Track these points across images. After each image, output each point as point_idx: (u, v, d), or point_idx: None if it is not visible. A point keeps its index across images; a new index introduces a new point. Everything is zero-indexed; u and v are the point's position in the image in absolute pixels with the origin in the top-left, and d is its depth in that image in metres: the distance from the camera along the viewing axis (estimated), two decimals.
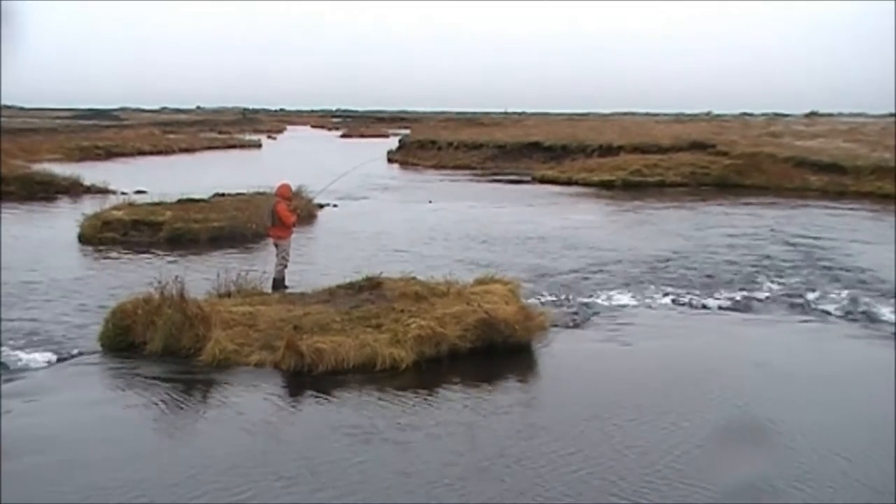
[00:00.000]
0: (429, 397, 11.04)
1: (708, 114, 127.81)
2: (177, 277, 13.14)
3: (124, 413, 10.42)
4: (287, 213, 16.56)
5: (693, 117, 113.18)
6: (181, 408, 10.61)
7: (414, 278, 14.80)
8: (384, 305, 13.13)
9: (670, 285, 17.95)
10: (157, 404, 10.66)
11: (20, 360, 12.26)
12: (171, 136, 79.57)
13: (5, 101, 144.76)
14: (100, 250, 21.74)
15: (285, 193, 17.03)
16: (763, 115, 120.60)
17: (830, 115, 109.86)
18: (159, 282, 13.05)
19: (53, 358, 12.47)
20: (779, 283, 18.28)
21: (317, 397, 10.99)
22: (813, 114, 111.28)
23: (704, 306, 16.46)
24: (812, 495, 8.38)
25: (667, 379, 11.95)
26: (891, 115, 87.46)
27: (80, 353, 12.71)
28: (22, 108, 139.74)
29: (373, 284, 14.24)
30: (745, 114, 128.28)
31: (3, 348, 12.68)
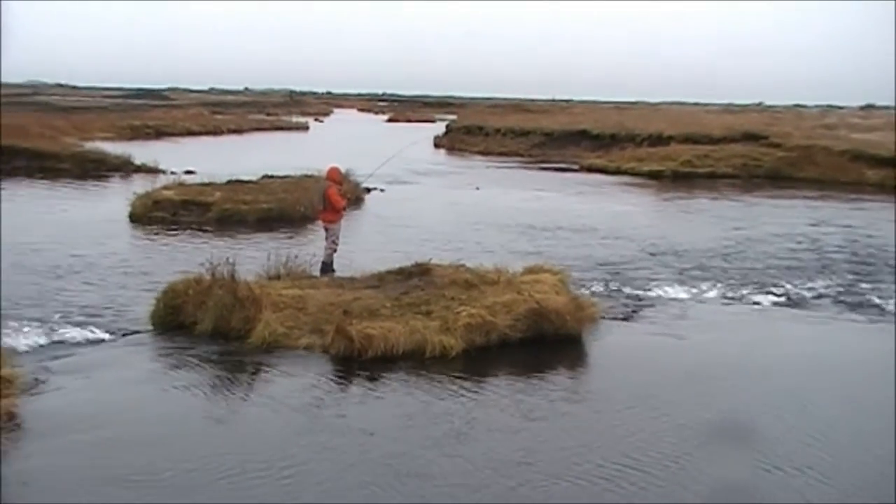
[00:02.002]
0: (476, 386, 10.96)
1: (759, 104, 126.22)
2: (228, 259, 13.15)
3: (173, 393, 10.45)
4: (338, 197, 16.46)
5: (744, 107, 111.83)
6: (230, 389, 10.64)
7: (463, 265, 14.70)
8: (434, 292, 13.03)
9: (721, 279, 17.67)
10: (206, 385, 10.70)
11: (73, 336, 12.39)
12: (220, 116, 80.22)
13: (60, 80, 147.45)
14: (150, 229, 21.89)
15: (335, 177, 16.95)
16: (816, 106, 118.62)
17: (887, 107, 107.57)
18: (210, 262, 13.08)
19: (105, 335, 12.58)
20: (833, 280, 17.90)
21: (366, 383, 10.96)
22: (869, 106, 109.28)
23: (756, 301, 16.17)
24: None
25: (718, 374, 11.79)
26: None
27: (132, 332, 12.80)
28: (75, 87, 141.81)
29: (422, 270, 14.14)
30: (797, 105, 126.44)
31: (58, 324, 12.85)
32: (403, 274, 14.12)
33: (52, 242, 19.41)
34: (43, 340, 12.11)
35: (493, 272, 14.10)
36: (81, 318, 13.25)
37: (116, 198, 26.63)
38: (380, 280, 14.00)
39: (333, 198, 16.40)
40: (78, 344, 12.17)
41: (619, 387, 11.16)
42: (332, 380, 11.08)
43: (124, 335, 12.68)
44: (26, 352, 11.54)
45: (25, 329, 12.42)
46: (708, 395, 10.90)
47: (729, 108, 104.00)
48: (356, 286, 13.72)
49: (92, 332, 12.61)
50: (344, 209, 16.88)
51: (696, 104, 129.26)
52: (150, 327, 12.96)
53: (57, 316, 13.31)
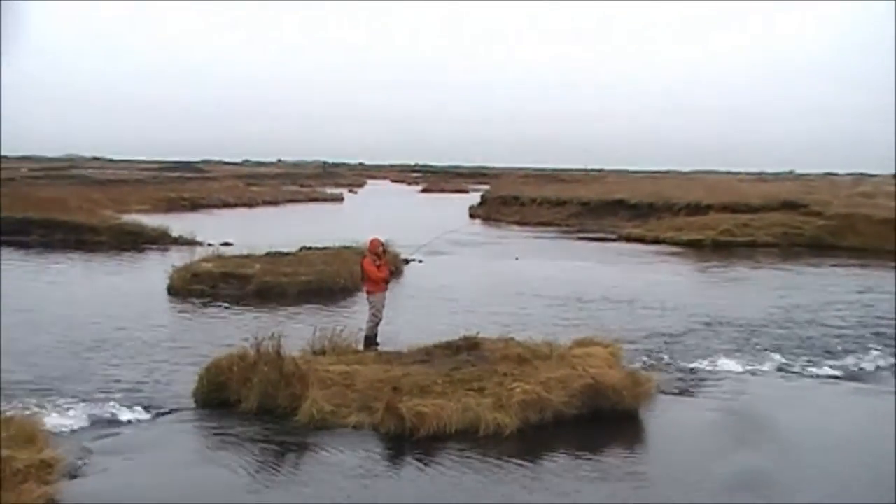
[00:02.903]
0: (530, 467, 10.51)
1: (791, 172, 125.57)
2: (273, 334, 12.82)
3: (218, 477, 10.06)
4: (372, 268, 16.25)
5: (776, 175, 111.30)
6: (277, 472, 10.22)
7: (512, 339, 14.30)
8: (486, 367, 12.61)
9: (774, 350, 17.10)
10: (253, 467, 10.30)
11: (115, 414, 12.05)
12: (255, 188, 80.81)
13: (96, 153, 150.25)
14: (189, 302, 21.68)
15: (372, 248, 16.74)
16: (849, 174, 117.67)
17: None
18: (255, 338, 12.76)
19: (147, 413, 12.24)
20: (888, 351, 17.28)
21: (419, 463, 10.50)
22: None
23: (813, 374, 15.63)
24: None
25: (782, 454, 11.25)
26: None
27: (174, 409, 12.45)
28: (111, 160, 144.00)
29: (471, 344, 13.75)
30: (829, 173, 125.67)
31: (100, 402, 12.51)
32: (452, 348, 13.73)
33: (93, 316, 19.27)
34: (84, 419, 11.78)
35: (545, 346, 13.68)
36: (123, 396, 12.91)
37: (154, 270, 26.50)
38: (428, 354, 13.60)
39: (367, 268, 16.28)
40: (120, 423, 11.83)
41: (682, 472, 10.59)
42: (383, 461, 10.65)
43: (167, 413, 12.33)
44: (68, 432, 11.22)
45: (67, 407, 12.12)
46: (777, 480, 10.37)
47: (762, 177, 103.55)
48: (404, 361, 13.33)
49: (134, 409, 12.27)
50: (386, 281, 16.60)
51: (727, 173, 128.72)
52: (193, 404, 12.61)
53: (99, 393, 13.00)
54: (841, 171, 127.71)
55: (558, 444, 11.36)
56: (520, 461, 10.65)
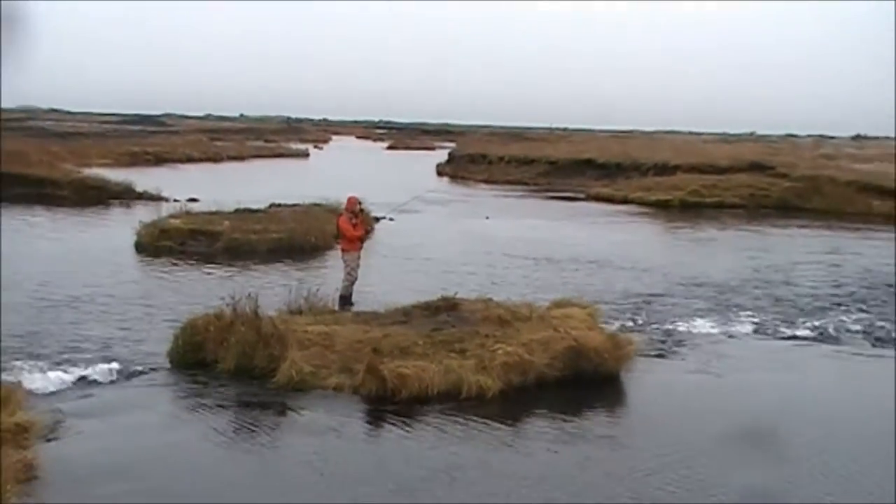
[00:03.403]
0: (513, 428, 10.50)
1: (752, 134, 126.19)
2: (250, 294, 12.59)
3: (195, 440, 9.94)
4: (348, 226, 16.17)
5: (739, 137, 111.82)
6: (257, 435, 10.07)
7: (491, 299, 14.18)
8: (467, 329, 12.48)
9: (749, 312, 17.17)
10: (231, 431, 10.18)
11: (89, 374, 11.75)
12: (219, 143, 79.44)
13: (52, 105, 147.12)
14: (158, 259, 21.29)
15: (349, 206, 16.58)
16: (809, 136, 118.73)
17: (877, 138, 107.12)
18: (231, 297, 12.52)
19: (122, 374, 11.96)
20: (861, 313, 17.43)
21: (400, 426, 10.39)
22: (859, 136, 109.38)
23: (789, 336, 15.69)
24: None
25: (761, 417, 11.26)
26: None
27: (149, 370, 12.19)
28: (69, 112, 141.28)
29: (449, 305, 13.60)
30: (790, 135, 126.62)
31: (73, 363, 12.22)
32: (430, 309, 13.57)
33: (61, 272, 18.80)
34: (58, 380, 11.42)
35: (524, 307, 13.59)
36: (96, 355, 12.59)
37: (120, 226, 26.00)
38: (406, 315, 13.43)
39: (343, 226, 16.26)
40: (94, 383, 11.54)
41: (661, 437, 10.55)
42: (364, 423, 10.55)
43: (142, 373, 12.06)
44: (41, 393, 10.93)
45: (39, 368, 11.78)
46: (753, 445, 10.38)
47: (725, 138, 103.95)
48: (383, 322, 13.15)
49: (108, 370, 11.95)
50: (361, 239, 16.46)
51: (691, 133, 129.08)
52: (168, 365, 12.36)
53: (71, 353, 12.68)
54: (800, 133, 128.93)
55: (540, 407, 11.33)
56: (501, 423, 10.59)
